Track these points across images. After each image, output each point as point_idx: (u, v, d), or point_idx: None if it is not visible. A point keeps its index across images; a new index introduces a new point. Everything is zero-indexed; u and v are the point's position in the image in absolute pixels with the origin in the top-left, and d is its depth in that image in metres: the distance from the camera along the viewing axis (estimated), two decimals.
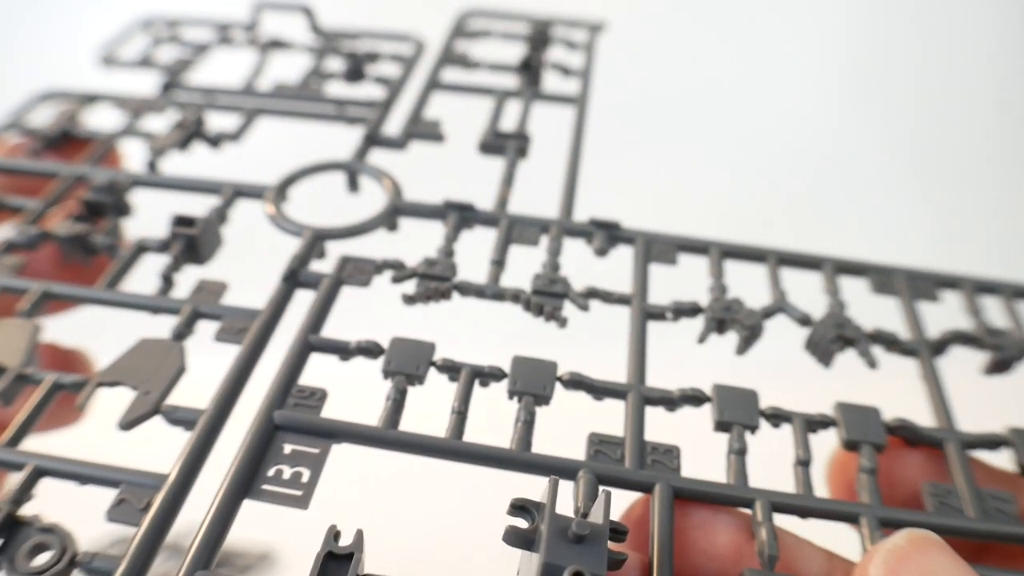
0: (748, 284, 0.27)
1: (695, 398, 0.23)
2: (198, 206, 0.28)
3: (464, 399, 0.22)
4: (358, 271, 0.26)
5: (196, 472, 0.20)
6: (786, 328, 0.26)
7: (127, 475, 0.20)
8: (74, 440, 0.23)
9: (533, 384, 0.22)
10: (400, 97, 0.35)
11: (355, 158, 0.31)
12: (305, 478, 0.20)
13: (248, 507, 0.19)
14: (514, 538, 0.17)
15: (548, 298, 0.25)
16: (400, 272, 0.26)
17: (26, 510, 0.19)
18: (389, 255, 0.26)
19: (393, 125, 0.33)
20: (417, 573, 0.18)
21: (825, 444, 0.23)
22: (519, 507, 0.18)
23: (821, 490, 0.21)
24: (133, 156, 0.31)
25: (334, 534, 0.18)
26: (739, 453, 0.21)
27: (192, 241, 0.26)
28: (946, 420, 0.23)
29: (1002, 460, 0.22)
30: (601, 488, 0.19)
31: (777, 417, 0.22)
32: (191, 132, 0.31)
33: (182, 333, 0.23)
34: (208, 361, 0.24)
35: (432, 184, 0.31)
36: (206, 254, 0.26)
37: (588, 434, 0.22)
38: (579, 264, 0.28)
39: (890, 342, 0.25)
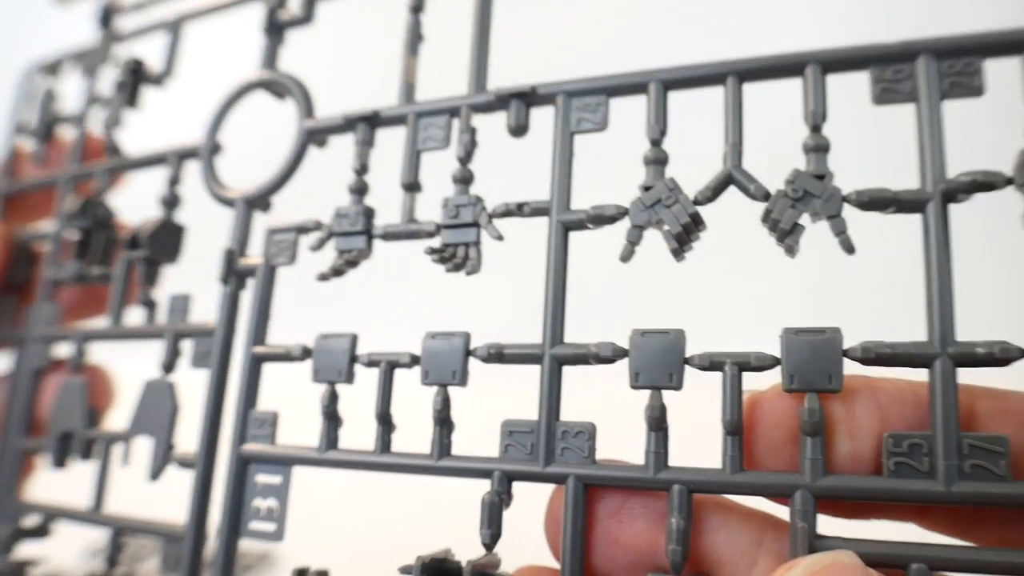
0: (695, 134, 0.21)
1: (613, 355, 0.20)
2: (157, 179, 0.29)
3: (385, 399, 0.22)
4: (282, 248, 0.25)
5: (205, 517, 0.24)
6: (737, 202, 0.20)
7: (159, 528, 0.24)
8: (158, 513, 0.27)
9: (443, 368, 0.21)
10: None
11: (266, 63, 0.27)
12: (276, 511, 0.23)
13: None
14: None
15: (460, 231, 0.22)
16: (318, 239, 0.24)
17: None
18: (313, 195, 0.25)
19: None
20: None
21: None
22: (406, 571, 0.19)
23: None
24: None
25: (299, 574, 0.22)
26: (658, 427, 0.19)
27: (150, 260, 0.27)
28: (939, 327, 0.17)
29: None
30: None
31: (706, 366, 0.19)
32: (133, 84, 0.30)
33: (170, 363, 0.26)
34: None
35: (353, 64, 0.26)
36: (172, 254, 0.27)
37: (501, 423, 0.21)
38: (495, 148, 0.23)
39: (884, 203, 0.18)
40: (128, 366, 0.29)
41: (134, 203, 0.30)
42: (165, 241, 0.27)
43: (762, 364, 0.18)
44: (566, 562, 0.19)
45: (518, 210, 0.22)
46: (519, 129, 0.22)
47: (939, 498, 0.16)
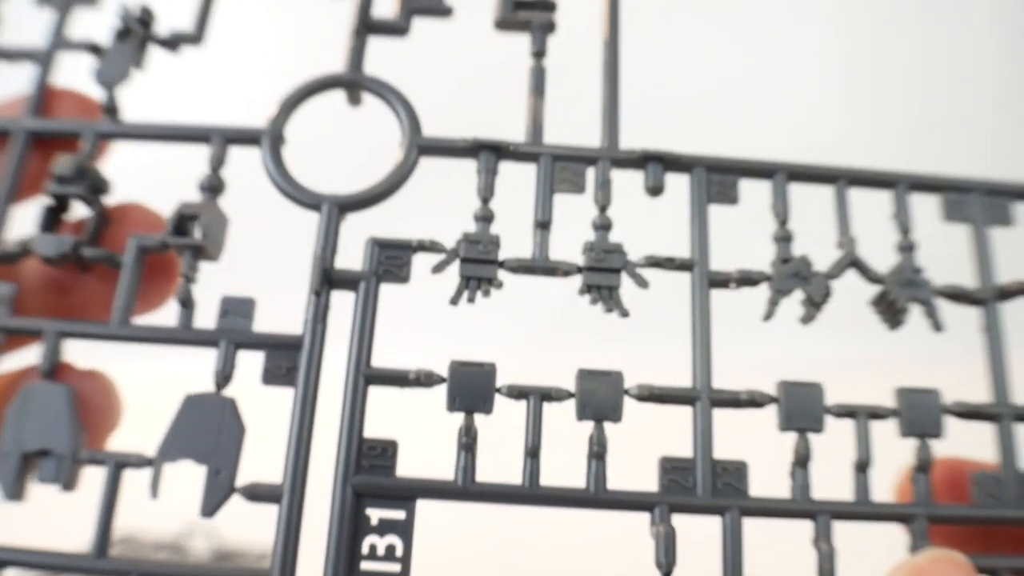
0: (806, 218, 0.25)
1: (762, 399, 0.23)
2: (179, 158, 0.24)
3: (536, 434, 0.22)
4: (395, 262, 0.23)
5: (294, 562, 0.21)
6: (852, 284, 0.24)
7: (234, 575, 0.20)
8: (158, 513, 0.23)
9: (602, 405, 0.22)
10: None
11: (352, 64, 0.25)
12: (399, 550, 0.21)
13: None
14: None
15: (603, 275, 0.24)
16: (442, 261, 0.23)
17: None
18: (404, 214, 0.24)
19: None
20: None
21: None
22: None
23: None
24: (71, 75, 0.26)
25: None
26: (802, 464, 0.22)
27: (198, 248, 0.23)
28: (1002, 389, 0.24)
29: None
30: None
31: (843, 414, 0.23)
32: (141, 39, 0.25)
33: (227, 376, 0.22)
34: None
35: (443, 88, 0.26)
36: (214, 252, 0.23)
37: (659, 459, 0.22)
38: (623, 205, 0.25)
39: (956, 295, 0.24)
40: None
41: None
42: (215, 232, 0.23)
43: (883, 414, 0.23)
44: None
45: (665, 263, 0.24)
46: (656, 190, 0.25)
47: None
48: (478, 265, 0.23)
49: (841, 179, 0.25)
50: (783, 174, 0.25)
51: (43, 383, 0.22)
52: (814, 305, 0.24)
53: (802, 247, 0.25)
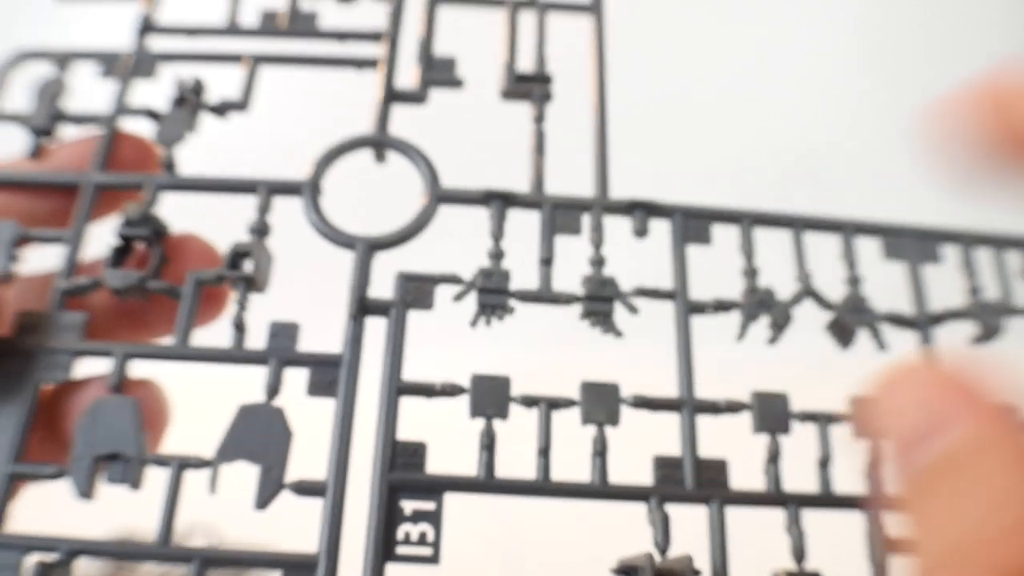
0: (765, 254, 0.30)
1: (737, 407, 0.27)
2: (226, 207, 0.28)
3: (546, 435, 0.25)
4: (420, 292, 0.27)
5: (338, 546, 0.24)
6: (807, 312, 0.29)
7: (285, 558, 0.23)
8: (213, 511, 0.25)
9: (602, 410, 0.26)
10: (402, 21, 0.32)
11: (380, 127, 0.30)
12: (430, 536, 0.24)
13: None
14: None
15: (599, 303, 0.28)
16: (460, 291, 0.27)
17: None
18: (420, 256, 0.28)
19: (402, 70, 0.31)
20: None
21: None
22: (623, 571, 0.23)
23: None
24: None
25: None
26: (773, 460, 0.26)
27: (249, 280, 0.26)
28: None
29: None
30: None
31: (806, 419, 0.27)
32: (194, 106, 0.29)
33: (275, 388, 0.25)
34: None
35: (457, 146, 0.30)
36: (262, 284, 0.27)
37: (653, 458, 0.26)
38: (613, 239, 0.29)
39: (897, 320, 0.29)
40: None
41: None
42: (263, 267, 0.27)
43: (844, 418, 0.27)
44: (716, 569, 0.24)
45: (650, 293, 0.28)
46: (641, 232, 0.29)
47: None
48: (492, 295, 0.27)
49: (797, 223, 0.30)
50: (748, 220, 0.29)
51: (112, 396, 0.25)
52: (778, 327, 0.28)
53: (768, 277, 0.29)
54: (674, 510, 0.25)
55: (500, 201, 0.29)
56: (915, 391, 0.18)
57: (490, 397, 0.26)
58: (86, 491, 0.24)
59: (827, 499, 0.26)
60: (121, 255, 0.27)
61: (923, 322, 0.29)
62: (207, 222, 0.27)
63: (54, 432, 0.25)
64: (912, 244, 0.30)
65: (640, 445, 0.26)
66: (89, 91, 0.30)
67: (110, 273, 0.26)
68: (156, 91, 0.30)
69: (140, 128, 0.29)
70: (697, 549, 0.25)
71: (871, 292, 0.29)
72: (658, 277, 0.28)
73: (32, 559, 0.23)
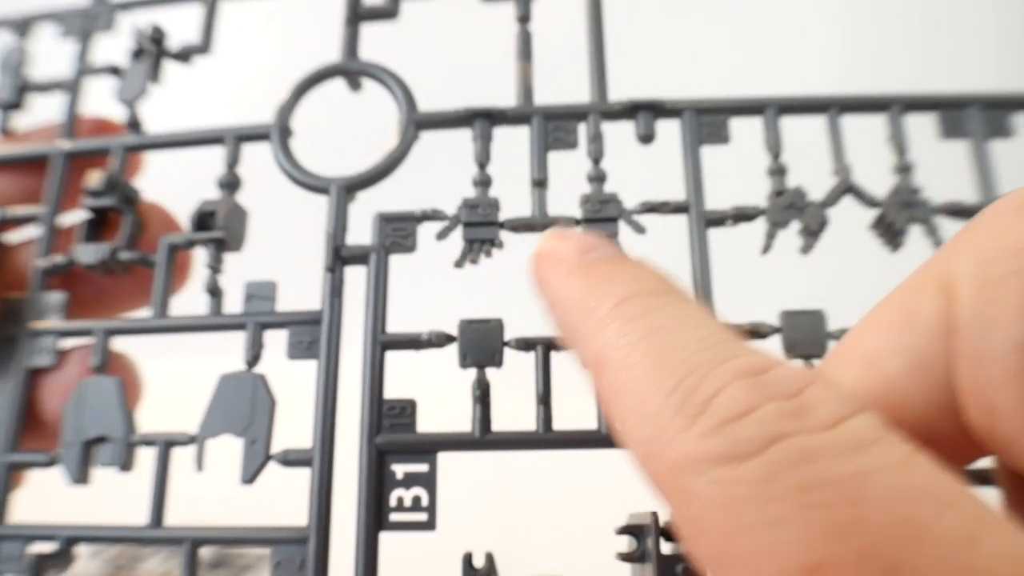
0: (801, 150, 0.25)
1: (765, 330, 0.23)
2: (198, 160, 0.26)
3: (545, 382, 0.23)
4: (401, 233, 0.24)
5: (329, 518, 0.22)
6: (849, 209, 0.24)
7: (275, 533, 0.22)
8: (195, 491, 0.24)
9: None
10: None
11: (348, 52, 0.26)
12: (424, 500, 0.22)
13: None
14: (626, 558, 0.20)
15: (601, 225, 0.24)
16: (444, 227, 0.24)
17: None
18: (403, 188, 0.25)
19: None
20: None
21: None
22: (627, 531, 0.20)
23: None
24: (97, 96, 0.27)
25: (467, 559, 0.21)
26: None
27: (220, 241, 0.24)
28: None
29: None
30: None
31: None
32: (156, 56, 0.27)
33: (256, 354, 0.24)
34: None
35: (437, 67, 0.27)
36: (236, 243, 0.25)
37: None
38: (616, 155, 0.25)
39: (958, 211, 0.24)
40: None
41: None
42: (235, 225, 0.25)
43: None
44: None
45: (660, 208, 0.24)
46: (647, 138, 0.25)
47: None
48: (479, 228, 0.24)
49: (833, 107, 0.25)
50: (773, 108, 0.25)
51: (96, 377, 0.24)
52: (811, 234, 0.23)
53: (799, 180, 0.24)
54: None
55: (484, 119, 0.25)
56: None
57: (481, 344, 0.23)
58: (80, 477, 0.23)
59: None
60: (96, 230, 0.26)
61: None
62: (181, 183, 0.25)
63: (33, 416, 0.24)
64: (977, 116, 0.24)
65: None
66: (49, 54, 0.28)
67: (82, 249, 0.25)
68: (119, 45, 0.28)
69: (104, 87, 0.27)
70: None
71: (925, 183, 0.24)
72: (673, 191, 0.24)
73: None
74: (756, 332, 0.23)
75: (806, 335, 0.22)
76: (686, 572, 0.19)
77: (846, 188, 0.24)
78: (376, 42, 0.27)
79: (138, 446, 0.23)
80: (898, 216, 0.23)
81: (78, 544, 0.23)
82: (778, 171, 0.24)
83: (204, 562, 0.22)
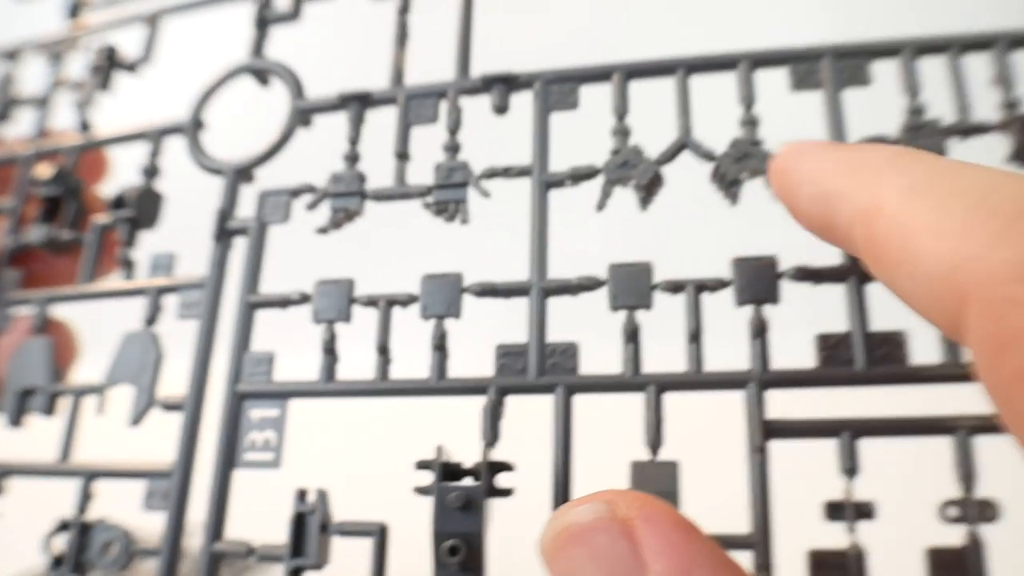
0: (660, 111, 0.25)
1: (592, 285, 0.23)
2: (138, 155, 0.29)
3: (384, 333, 0.24)
4: (275, 208, 0.27)
5: (193, 456, 0.24)
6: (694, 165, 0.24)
7: (149, 468, 0.25)
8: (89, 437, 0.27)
9: (441, 301, 0.24)
10: None
11: (254, 52, 0.29)
12: (274, 442, 0.24)
13: (246, 509, 0.24)
14: (421, 492, 0.21)
15: (451, 190, 0.25)
16: (313, 199, 0.26)
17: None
18: (310, 167, 0.27)
19: None
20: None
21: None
22: (423, 465, 0.21)
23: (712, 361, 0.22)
24: (64, 108, 0.32)
25: (300, 494, 0.23)
26: (632, 340, 0.22)
27: (134, 220, 0.27)
28: None
29: None
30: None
31: (672, 288, 0.23)
32: (107, 69, 0.31)
33: (152, 316, 0.27)
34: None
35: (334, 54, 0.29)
36: (151, 220, 0.28)
37: (495, 347, 0.23)
38: (480, 128, 0.26)
39: None
40: (99, 329, 0.29)
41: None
42: (147, 206, 0.28)
43: (715, 286, 0.22)
44: (558, 463, 0.22)
45: (504, 172, 0.25)
46: (501, 109, 0.26)
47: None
48: (343, 198, 0.26)
49: (680, 68, 0.25)
50: (620, 74, 0.25)
51: (34, 338, 0.28)
52: (644, 189, 0.24)
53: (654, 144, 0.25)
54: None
55: (356, 102, 0.27)
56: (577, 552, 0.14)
57: (331, 302, 0.25)
58: (15, 421, 0.27)
59: (693, 379, 0.22)
60: (50, 215, 0.30)
61: None
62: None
63: None
64: (830, 67, 0.24)
65: (495, 338, 0.24)
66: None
67: (32, 231, 0.29)
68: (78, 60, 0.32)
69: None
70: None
71: (781, 133, 0.24)
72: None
73: None
74: (584, 286, 0.23)
75: (632, 286, 0.23)
76: (460, 499, 0.20)
77: (682, 145, 0.24)
78: (286, 42, 0.29)
79: (60, 395, 0.27)
80: (730, 168, 0.23)
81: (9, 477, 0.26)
82: (621, 132, 0.24)
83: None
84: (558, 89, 0.25)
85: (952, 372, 0.21)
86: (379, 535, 0.22)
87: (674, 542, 0.13)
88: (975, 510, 0.20)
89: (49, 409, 0.26)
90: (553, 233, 0.24)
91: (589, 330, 0.23)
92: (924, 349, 0.21)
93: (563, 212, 0.25)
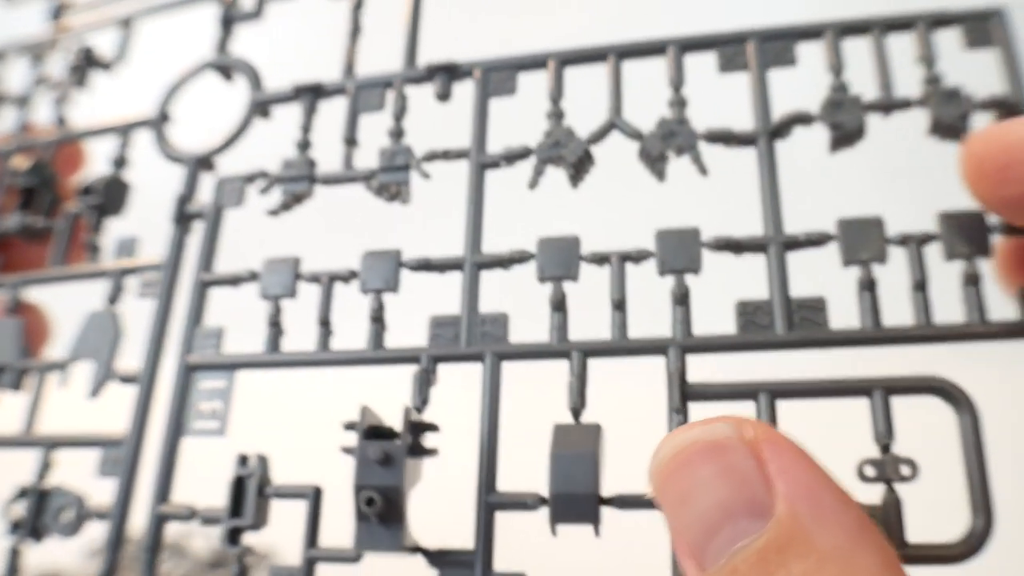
0: (596, 92, 0.26)
1: (522, 258, 0.24)
2: (112, 148, 0.31)
3: (325, 307, 0.25)
4: (230, 193, 0.28)
5: (144, 425, 0.25)
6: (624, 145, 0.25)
7: (99, 439, 0.25)
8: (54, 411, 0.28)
9: (379, 277, 0.25)
10: None
11: (219, 49, 0.31)
12: (220, 410, 0.25)
13: (195, 475, 0.25)
14: (345, 451, 0.22)
15: (394, 173, 0.26)
16: (266, 183, 0.27)
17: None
18: (268, 155, 0.28)
19: None
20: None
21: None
22: (350, 427, 0.22)
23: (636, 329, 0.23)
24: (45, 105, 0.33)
25: (241, 459, 0.24)
26: (559, 309, 0.23)
27: (101, 207, 0.29)
28: (773, 220, 0.23)
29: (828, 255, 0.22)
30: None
31: (598, 260, 0.23)
32: (84, 67, 0.33)
33: (114, 296, 0.28)
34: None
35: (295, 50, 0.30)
36: (117, 207, 0.29)
37: (429, 318, 0.24)
38: (426, 115, 0.27)
39: (725, 138, 0.24)
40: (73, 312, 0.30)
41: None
42: (115, 194, 0.29)
43: (639, 256, 0.23)
44: (485, 427, 0.22)
45: (444, 155, 0.26)
46: (444, 96, 0.27)
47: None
48: (293, 183, 0.27)
49: (611, 54, 0.26)
50: (556, 60, 0.26)
51: (5, 318, 0.29)
52: (572, 167, 0.24)
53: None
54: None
55: (308, 93, 0.28)
56: (704, 467, 0.15)
57: (278, 279, 0.26)
58: None
59: (616, 345, 0.22)
60: (28, 204, 0.31)
61: (763, 134, 0.24)
62: None
63: None
64: (758, 48, 0.24)
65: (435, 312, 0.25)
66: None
67: (9, 219, 0.30)
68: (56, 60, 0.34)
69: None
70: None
71: (711, 114, 0.24)
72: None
73: None
74: (514, 260, 0.24)
75: (557, 259, 0.23)
76: (377, 452, 0.21)
77: (611, 125, 0.25)
78: (252, 40, 0.31)
79: (28, 372, 0.28)
80: (654, 145, 0.24)
81: None
82: (555, 115, 0.25)
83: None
84: (497, 76, 0.26)
85: (871, 336, 0.21)
86: (313, 497, 0.23)
87: (798, 464, 0.14)
88: (892, 468, 0.20)
89: (17, 385, 0.27)
90: (496, 213, 0.25)
91: (526, 304, 0.24)
92: (844, 315, 0.22)
93: (503, 192, 0.26)
